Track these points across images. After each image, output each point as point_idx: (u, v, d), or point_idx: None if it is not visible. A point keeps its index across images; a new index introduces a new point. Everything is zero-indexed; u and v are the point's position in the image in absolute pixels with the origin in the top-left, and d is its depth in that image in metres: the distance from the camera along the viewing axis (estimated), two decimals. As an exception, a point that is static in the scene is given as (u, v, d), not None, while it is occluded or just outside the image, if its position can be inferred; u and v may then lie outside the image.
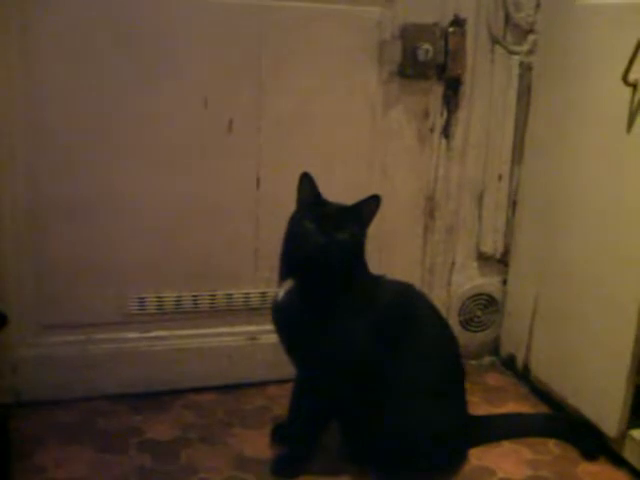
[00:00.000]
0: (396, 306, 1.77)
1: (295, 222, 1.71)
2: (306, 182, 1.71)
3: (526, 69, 2.21)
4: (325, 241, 1.64)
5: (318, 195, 1.72)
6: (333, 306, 1.70)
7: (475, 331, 2.41)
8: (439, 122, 2.20)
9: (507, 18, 2.18)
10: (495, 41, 2.18)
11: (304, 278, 1.70)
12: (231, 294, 2.14)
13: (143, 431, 1.93)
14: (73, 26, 1.85)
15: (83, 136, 1.92)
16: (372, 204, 1.70)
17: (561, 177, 2.07)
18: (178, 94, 1.96)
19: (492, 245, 2.34)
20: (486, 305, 2.40)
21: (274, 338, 1.79)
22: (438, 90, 2.17)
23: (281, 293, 1.73)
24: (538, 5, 2.17)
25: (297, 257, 1.70)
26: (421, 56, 2.06)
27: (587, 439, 1.92)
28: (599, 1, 1.91)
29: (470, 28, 2.13)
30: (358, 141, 2.14)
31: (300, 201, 1.73)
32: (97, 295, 2.03)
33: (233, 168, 2.05)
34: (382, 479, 1.79)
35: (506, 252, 2.35)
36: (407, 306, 1.79)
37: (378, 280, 1.79)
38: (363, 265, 1.75)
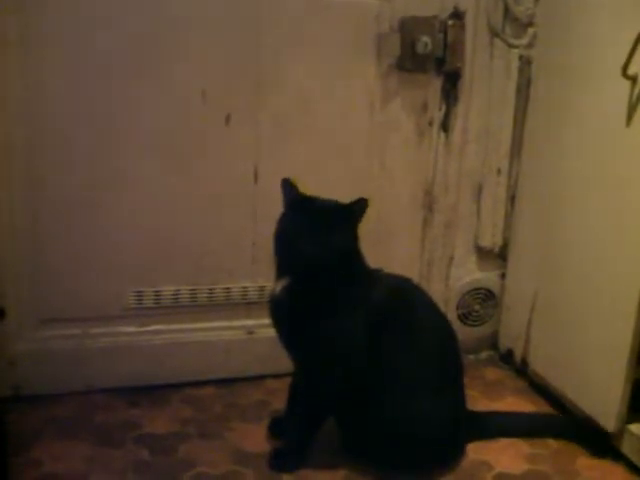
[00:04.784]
0: (393, 300, 1.76)
1: (283, 229, 1.70)
2: (287, 187, 1.70)
3: (525, 63, 2.20)
4: (315, 252, 1.64)
5: (302, 198, 1.70)
6: (329, 301, 1.70)
7: (473, 325, 2.41)
8: (438, 116, 2.19)
9: (506, 11, 2.16)
10: (494, 34, 2.17)
11: (299, 278, 1.70)
12: (229, 288, 2.13)
13: (141, 425, 1.93)
14: (71, 16, 1.84)
15: (81, 132, 1.92)
16: (361, 206, 1.68)
17: (560, 171, 2.07)
18: (176, 88, 1.95)
19: (491, 239, 2.33)
20: (484, 299, 2.39)
21: (272, 332, 1.79)
22: (437, 83, 2.16)
23: (278, 288, 1.73)
24: (537, -2, 2.16)
25: (289, 263, 1.70)
26: (420, 49, 2.05)
27: (593, 438, 1.90)
28: (599, -6, 1.91)
29: (469, 21, 2.12)
30: (356, 134, 2.13)
31: (286, 205, 1.72)
32: (95, 289, 2.02)
33: (231, 162, 2.04)
34: (380, 473, 1.78)
35: (505, 246, 2.34)
36: (405, 300, 1.79)
37: (375, 274, 1.79)
38: (359, 260, 1.75)
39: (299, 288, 1.70)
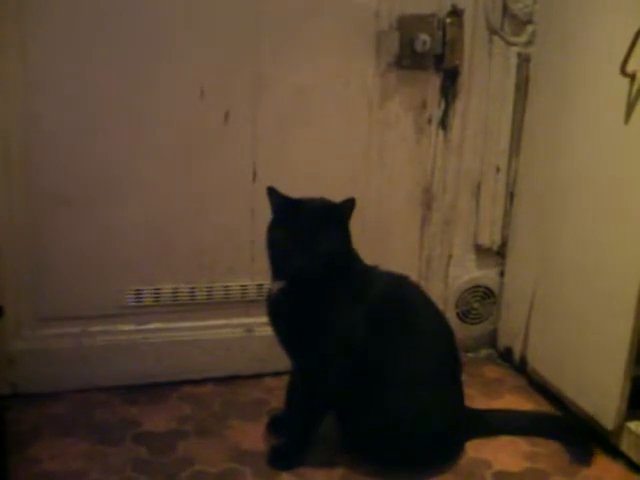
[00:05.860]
0: (390, 297, 1.77)
1: (274, 239, 1.70)
2: (273, 194, 1.70)
3: (524, 60, 2.19)
4: (306, 261, 1.63)
5: (289, 203, 1.69)
6: (326, 301, 1.70)
7: (472, 323, 2.40)
8: (436, 113, 2.19)
9: (505, 9, 2.16)
10: (493, 32, 2.17)
11: (294, 283, 1.71)
12: (228, 286, 2.13)
13: (139, 423, 1.93)
14: (70, 13, 1.84)
15: (80, 131, 1.92)
16: (348, 205, 1.68)
17: (559, 169, 2.07)
18: (174, 85, 1.95)
19: (489, 237, 2.33)
20: (483, 297, 2.39)
21: (270, 330, 1.79)
22: (436, 81, 2.16)
23: (275, 289, 1.74)
24: (536, -5, 2.16)
25: (283, 271, 1.70)
26: (419, 47, 2.05)
27: (580, 444, 1.89)
28: (597, -9, 1.91)
29: (468, 19, 2.12)
30: (355, 132, 2.12)
31: (274, 212, 1.72)
32: (94, 287, 2.02)
33: (229, 160, 2.04)
34: (378, 470, 1.78)
35: (503, 244, 2.34)
36: (401, 297, 1.79)
37: (371, 271, 1.79)
38: (353, 258, 1.75)
39: (295, 290, 1.71)
